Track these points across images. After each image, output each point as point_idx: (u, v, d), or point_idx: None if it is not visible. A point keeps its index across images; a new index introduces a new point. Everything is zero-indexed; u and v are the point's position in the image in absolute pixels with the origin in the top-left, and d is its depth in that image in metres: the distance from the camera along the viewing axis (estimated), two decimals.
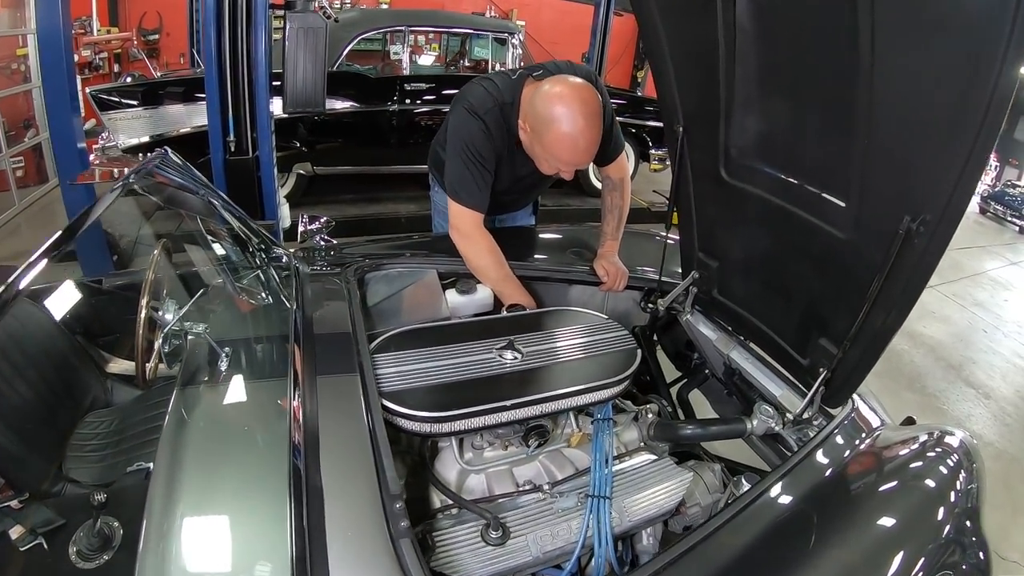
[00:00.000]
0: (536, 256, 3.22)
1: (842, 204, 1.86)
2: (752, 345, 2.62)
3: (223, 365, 2.02)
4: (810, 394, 2.23)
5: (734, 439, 2.51)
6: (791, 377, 2.43)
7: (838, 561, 1.82)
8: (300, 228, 2.90)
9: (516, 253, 2.91)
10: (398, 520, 1.54)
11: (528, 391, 2.29)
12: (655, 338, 3.22)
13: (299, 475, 1.55)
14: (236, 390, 2.12)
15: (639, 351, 2.58)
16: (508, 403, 2.20)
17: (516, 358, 2.42)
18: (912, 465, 2.21)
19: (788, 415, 2.39)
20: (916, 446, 2.24)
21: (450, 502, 2.21)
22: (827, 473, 2.11)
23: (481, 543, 2.04)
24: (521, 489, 2.29)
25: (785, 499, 2.01)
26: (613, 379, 2.41)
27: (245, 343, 2.45)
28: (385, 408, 2.13)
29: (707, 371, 2.92)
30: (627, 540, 2.41)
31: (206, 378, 2.06)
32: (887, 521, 1.92)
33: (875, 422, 2.39)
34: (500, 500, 2.23)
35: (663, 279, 2.83)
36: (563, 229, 4.18)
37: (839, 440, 2.21)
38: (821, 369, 2.10)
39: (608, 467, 2.32)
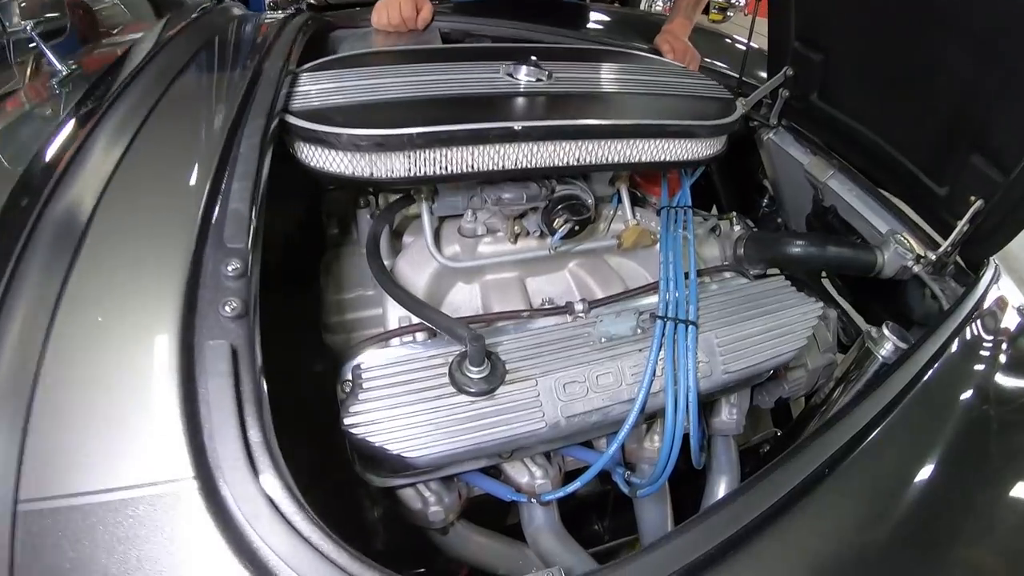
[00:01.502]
0: (581, 29, 2.24)
1: None
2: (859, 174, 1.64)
3: None
4: (959, 227, 1.28)
5: (857, 273, 1.42)
6: (915, 217, 1.51)
7: None
8: None
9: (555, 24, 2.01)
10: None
11: (556, 115, 1.15)
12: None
13: None
14: None
15: (738, 102, 1.44)
16: (518, 126, 1.05)
17: (538, 79, 1.24)
18: None
19: (927, 255, 1.36)
20: None
21: (409, 320, 1.15)
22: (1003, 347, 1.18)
23: (449, 391, 0.95)
24: (538, 308, 1.16)
25: (953, 381, 1.09)
26: (707, 122, 1.22)
27: None
28: (293, 132, 1.11)
29: (780, 220, 1.97)
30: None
31: None
32: None
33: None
34: (501, 324, 1.17)
35: (744, 79, 1.86)
36: (620, 10, 2.92)
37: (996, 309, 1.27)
38: (972, 198, 1.29)
39: (691, 279, 1.18)
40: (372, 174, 1.10)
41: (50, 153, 0.99)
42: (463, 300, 1.27)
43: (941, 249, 1.34)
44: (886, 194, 1.58)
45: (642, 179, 1.50)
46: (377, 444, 0.94)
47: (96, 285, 0.82)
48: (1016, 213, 1.23)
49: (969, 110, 1.29)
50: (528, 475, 1.19)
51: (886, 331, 1.27)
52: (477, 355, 0.97)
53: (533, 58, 1.27)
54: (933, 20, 1.30)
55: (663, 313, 1.12)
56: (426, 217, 1.20)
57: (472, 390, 0.98)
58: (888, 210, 1.50)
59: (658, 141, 1.21)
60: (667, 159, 1.25)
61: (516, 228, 1.25)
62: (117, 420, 0.70)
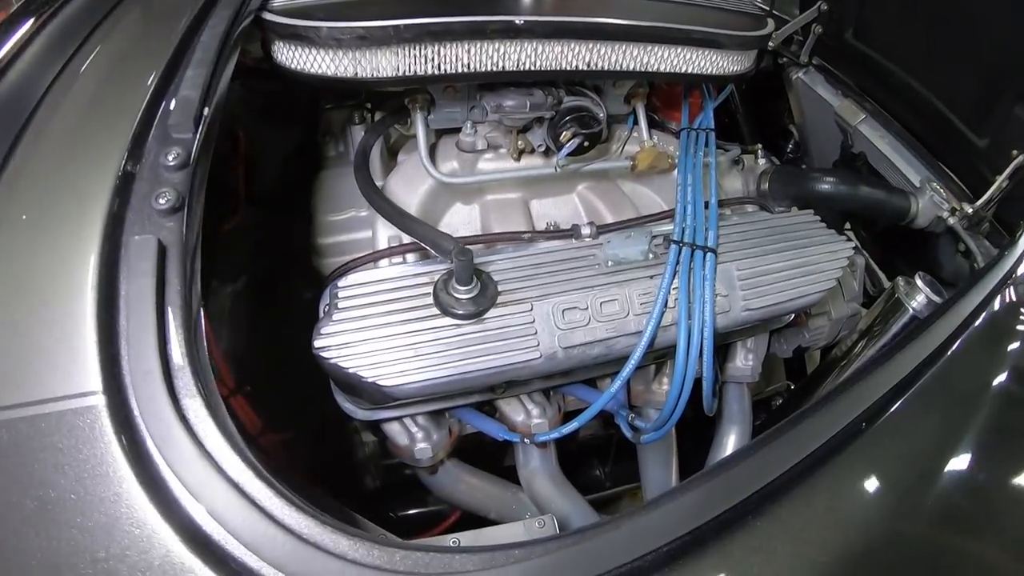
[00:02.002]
0: None
1: None
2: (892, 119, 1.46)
3: None
4: (998, 182, 1.15)
5: (888, 222, 1.27)
6: (948, 170, 1.35)
7: None
8: None
9: None
10: None
11: (566, 11, 0.99)
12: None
13: None
14: None
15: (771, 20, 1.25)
16: (520, 20, 0.89)
17: None
18: None
19: (963, 207, 1.19)
20: None
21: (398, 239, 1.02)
22: None
23: (432, 312, 0.82)
24: (541, 231, 1.01)
25: (991, 344, 0.91)
26: (736, 32, 1.05)
27: None
28: (270, 30, 0.96)
29: (804, 166, 1.76)
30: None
31: None
32: None
33: None
34: (500, 246, 1.03)
35: (775, 12, 1.62)
36: None
37: None
38: (1015, 152, 1.14)
39: (711, 205, 1.02)
40: (356, 74, 0.95)
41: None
42: (461, 222, 1.13)
43: (979, 202, 1.19)
44: (921, 146, 1.41)
45: (661, 103, 1.33)
46: (349, 370, 0.83)
47: (28, 183, 0.70)
48: None
49: (1019, 57, 1.16)
50: (524, 413, 1.07)
51: (919, 282, 1.12)
52: (464, 272, 0.84)
53: None
54: None
55: (679, 238, 0.97)
56: (420, 128, 1.05)
57: (458, 312, 0.85)
58: (921, 160, 1.33)
59: (680, 49, 1.04)
60: (689, 71, 1.08)
61: (520, 143, 1.09)
62: (28, 328, 0.59)
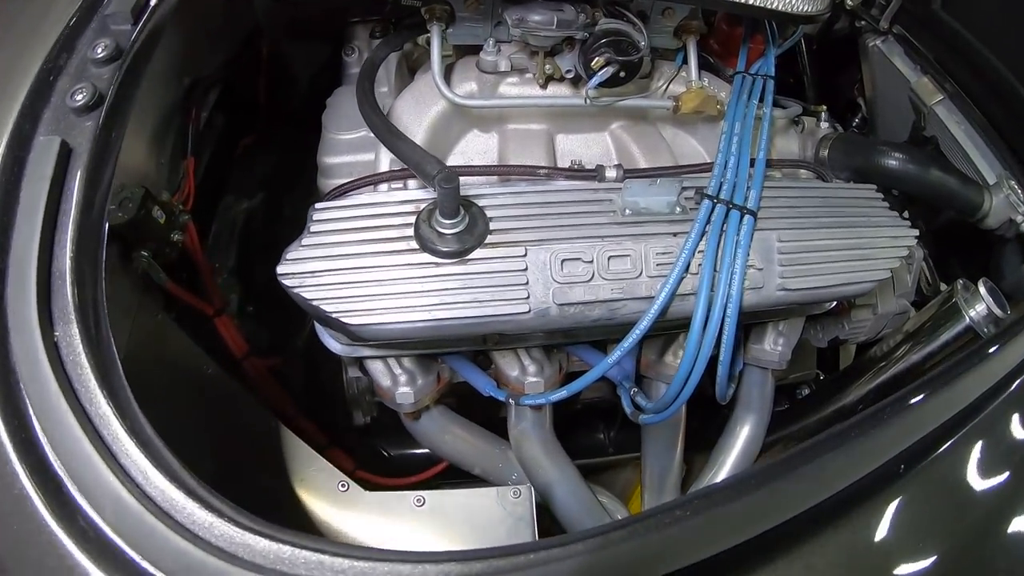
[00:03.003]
0: None
1: None
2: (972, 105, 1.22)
3: None
4: None
5: (956, 215, 1.09)
6: None
7: None
8: None
9: None
10: None
11: None
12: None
13: None
14: None
15: None
16: None
17: None
18: None
19: None
20: None
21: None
22: None
23: (411, 246, 0.66)
24: (559, 168, 0.83)
25: None
26: None
27: None
28: None
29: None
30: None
31: None
32: None
33: None
34: (513, 179, 0.86)
35: None
36: None
37: None
38: None
39: (758, 161, 0.80)
40: None
41: None
42: (476, 151, 0.96)
43: None
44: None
45: (720, 46, 1.09)
46: (312, 302, 0.69)
47: None
48: None
49: None
50: (519, 369, 0.93)
51: (983, 288, 0.94)
52: (448, 202, 0.68)
53: None
54: None
55: (715, 193, 0.77)
56: (435, 42, 0.87)
57: (438, 248, 0.70)
58: (1000, 155, 1.13)
59: None
60: (751, 1, 0.84)
61: (547, 67, 0.90)
62: None
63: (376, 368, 0.90)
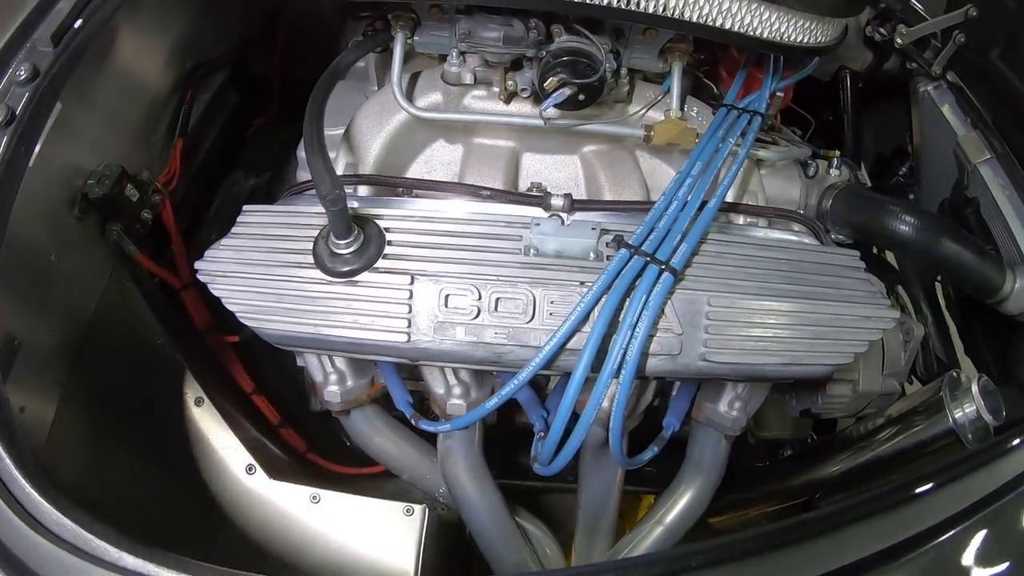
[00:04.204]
0: None
1: None
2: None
3: None
4: None
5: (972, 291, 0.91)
6: None
7: None
8: None
9: None
10: None
11: None
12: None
13: None
14: None
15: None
16: None
17: None
18: None
19: None
20: None
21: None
22: None
23: (308, 260, 0.64)
24: (501, 191, 0.75)
25: None
26: None
27: None
28: None
29: (912, 196, 1.32)
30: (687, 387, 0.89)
31: None
32: None
33: None
34: (441, 198, 0.80)
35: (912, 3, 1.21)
36: None
37: None
38: None
39: (708, 208, 0.66)
40: None
41: None
42: (441, 161, 0.91)
43: None
44: None
45: (728, 73, 0.93)
46: (220, 297, 0.69)
47: None
48: None
49: None
50: (444, 387, 0.87)
51: (974, 388, 0.78)
52: (338, 223, 0.65)
53: None
54: None
55: (637, 242, 0.65)
56: (398, 50, 0.83)
57: (327, 267, 0.67)
58: None
59: None
60: (729, 26, 0.69)
61: (509, 83, 0.81)
62: None
63: (311, 363, 0.90)
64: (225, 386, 0.93)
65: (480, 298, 0.66)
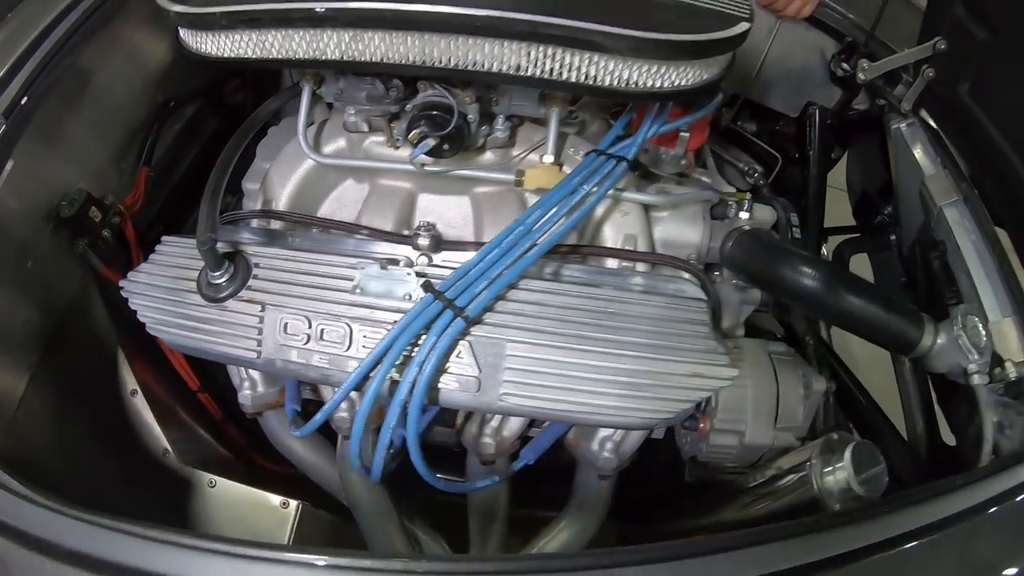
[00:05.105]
0: None
1: None
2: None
3: None
4: None
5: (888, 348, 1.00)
6: None
7: None
8: None
9: None
10: None
11: None
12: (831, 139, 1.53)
13: None
14: None
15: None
16: (320, 8, 0.80)
17: None
18: None
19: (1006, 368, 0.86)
20: None
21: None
22: None
23: (187, 283, 0.88)
24: (378, 231, 0.93)
25: None
26: (629, 32, 0.75)
27: None
28: None
29: (892, 237, 1.38)
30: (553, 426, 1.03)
31: None
32: None
33: None
34: (325, 234, 1.02)
35: (876, 35, 1.31)
36: None
37: None
38: None
39: (528, 255, 0.80)
40: (203, 50, 0.95)
41: None
42: (350, 199, 1.11)
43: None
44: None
45: (638, 113, 1.02)
46: (135, 310, 0.93)
47: None
48: None
49: None
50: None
51: (847, 455, 0.81)
52: (209, 259, 0.87)
53: None
54: None
55: (446, 287, 0.80)
56: (303, 104, 1.03)
57: (205, 293, 0.89)
58: (1007, 279, 0.99)
59: (528, 46, 0.78)
60: (546, 75, 0.82)
61: (393, 131, 0.98)
62: None
63: (230, 370, 1.13)
64: (167, 382, 1.18)
65: (310, 327, 0.85)
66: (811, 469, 0.84)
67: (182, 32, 0.97)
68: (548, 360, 0.80)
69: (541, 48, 0.80)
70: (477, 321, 0.80)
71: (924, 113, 1.26)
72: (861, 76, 1.25)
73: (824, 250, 1.59)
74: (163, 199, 1.32)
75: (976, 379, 0.87)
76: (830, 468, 0.83)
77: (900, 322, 0.92)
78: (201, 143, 1.38)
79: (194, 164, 1.37)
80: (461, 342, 0.80)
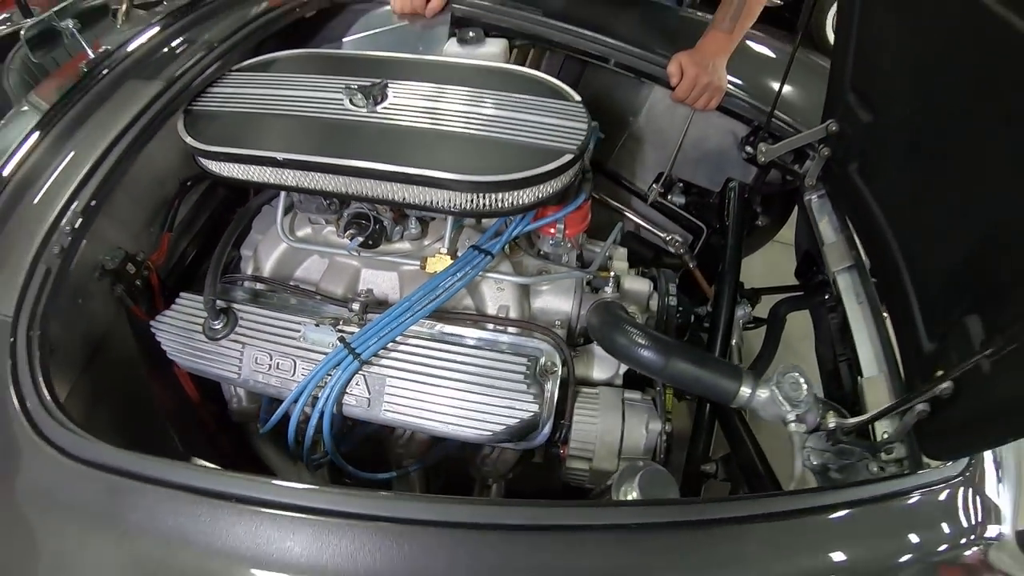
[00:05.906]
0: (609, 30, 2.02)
1: None
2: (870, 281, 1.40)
3: None
4: (898, 410, 1.03)
5: (720, 403, 1.25)
6: (900, 362, 1.24)
7: None
8: None
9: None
10: None
11: (332, 149, 1.40)
12: (757, 209, 1.94)
13: None
14: None
15: (586, 140, 1.39)
16: (280, 157, 1.39)
17: (366, 107, 1.44)
18: None
19: (828, 420, 1.14)
20: None
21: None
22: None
23: (195, 326, 1.45)
24: (327, 295, 1.51)
25: None
26: (462, 176, 1.30)
27: None
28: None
29: (828, 295, 1.62)
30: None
31: None
32: None
33: (1002, 518, 1.05)
34: (291, 297, 1.60)
35: (778, 114, 1.65)
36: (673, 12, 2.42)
37: (920, 512, 1.03)
38: (939, 372, 0.99)
39: (408, 318, 1.35)
40: (208, 168, 1.56)
41: None
42: (316, 268, 1.71)
43: (853, 422, 1.09)
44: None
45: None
46: (161, 342, 1.51)
47: None
48: (983, 418, 0.92)
49: (1000, 255, 0.99)
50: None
51: (636, 480, 1.09)
52: (210, 312, 1.44)
53: (380, 82, 1.46)
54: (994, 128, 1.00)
55: (355, 339, 1.36)
56: (281, 200, 1.61)
57: (207, 335, 1.47)
58: (884, 340, 1.25)
59: (415, 189, 1.34)
60: (420, 203, 1.40)
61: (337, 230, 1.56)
62: None
63: (224, 388, 1.69)
64: (176, 396, 1.75)
65: (271, 360, 1.42)
66: (612, 489, 1.12)
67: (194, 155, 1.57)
68: (415, 390, 1.37)
69: (412, 188, 1.37)
70: (368, 362, 1.38)
71: (823, 188, 1.54)
72: (761, 158, 1.56)
73: (744, 309, 1.83)
74: (179, 254, 1.91)
75: (792, 427, 1.10)
76: (623, 489, 1.10)
77: (720, 379, 1.16)
78: (210, 212, 1.98)
79: (203, 230, 1.97)
80: (358, 375, 1.38)
